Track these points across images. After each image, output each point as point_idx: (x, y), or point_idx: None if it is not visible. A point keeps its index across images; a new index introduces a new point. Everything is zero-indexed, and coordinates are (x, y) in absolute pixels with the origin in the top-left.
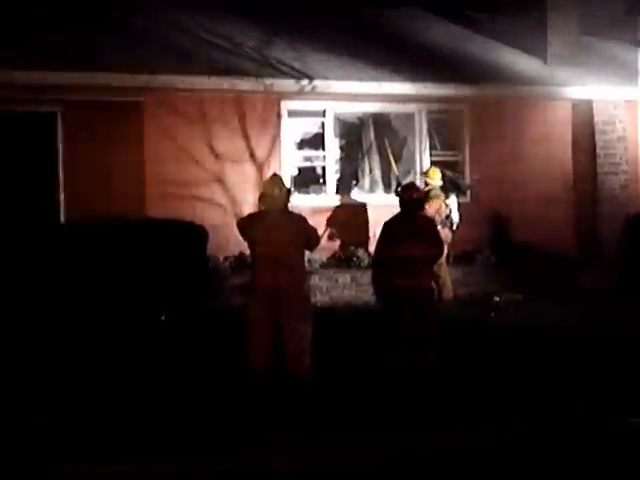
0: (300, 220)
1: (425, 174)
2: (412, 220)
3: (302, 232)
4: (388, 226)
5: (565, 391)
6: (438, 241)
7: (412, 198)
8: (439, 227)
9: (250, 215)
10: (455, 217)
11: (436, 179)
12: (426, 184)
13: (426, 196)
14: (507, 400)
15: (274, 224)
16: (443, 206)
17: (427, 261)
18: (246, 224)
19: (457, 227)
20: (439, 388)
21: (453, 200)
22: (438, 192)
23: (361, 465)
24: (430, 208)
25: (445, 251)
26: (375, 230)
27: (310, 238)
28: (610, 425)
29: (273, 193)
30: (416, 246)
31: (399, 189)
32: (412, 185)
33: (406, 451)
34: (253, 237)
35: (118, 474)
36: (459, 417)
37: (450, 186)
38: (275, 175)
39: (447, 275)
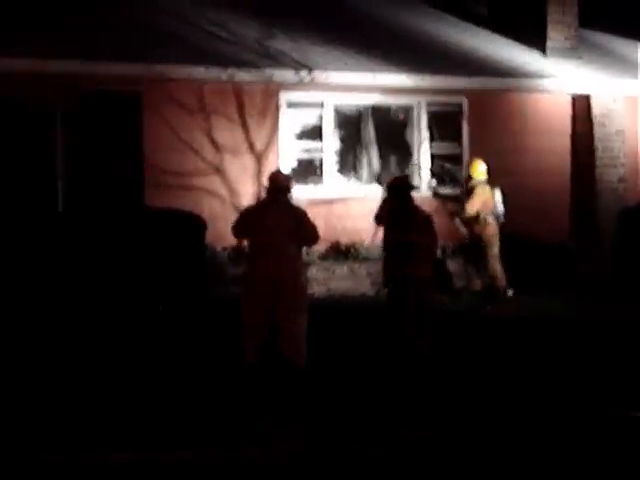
0: (301, 214)
1: (468, 169)
2: (405, 209)
3: (301, 227)
4: (390, 213)
5: (562, 382)
6: (432, 232)
7: (400, 185)
8: (490, 221)
9: (246, 210)
10: (500, 210)
11: (479, 173)
12: (468, 179)
13: (470, 192)
14: (501, 391)
15: (273, 215)
16: (490, 200)
17: (423, 250)
18: (241, 222)
19: (504, 219)
20: (436, 378)
21: (498, 194)
22: (482, 187)
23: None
24: (473, 205)
25: (498, 244)
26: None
27: (308, 234)
28: (610, 417)
29: (276, 185)
30: (407, 235)
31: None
32: (402, 176)
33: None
34: (251, 229)
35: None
36: (451, 408)
37: (447, 178)
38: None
39: (498, 266)
